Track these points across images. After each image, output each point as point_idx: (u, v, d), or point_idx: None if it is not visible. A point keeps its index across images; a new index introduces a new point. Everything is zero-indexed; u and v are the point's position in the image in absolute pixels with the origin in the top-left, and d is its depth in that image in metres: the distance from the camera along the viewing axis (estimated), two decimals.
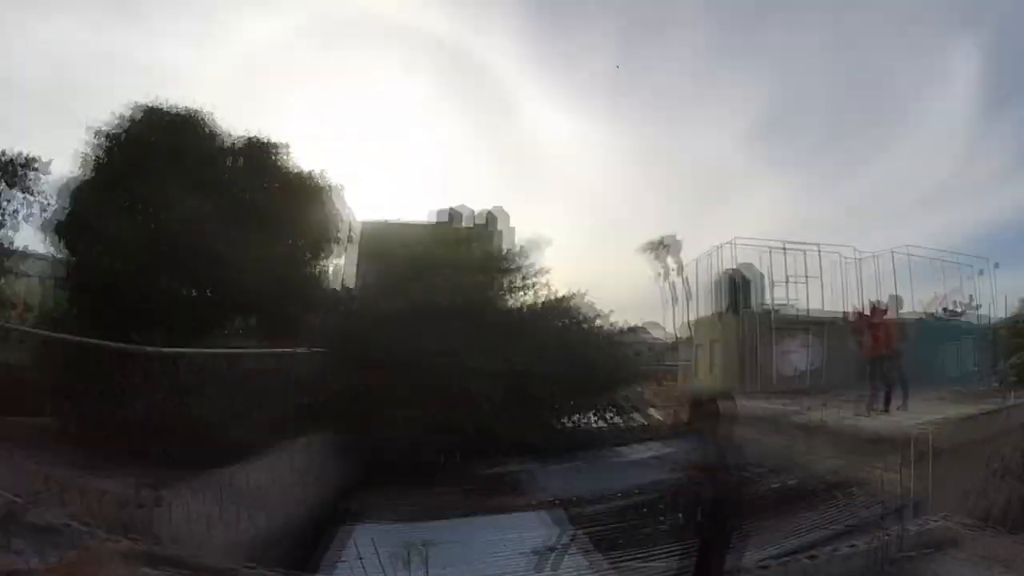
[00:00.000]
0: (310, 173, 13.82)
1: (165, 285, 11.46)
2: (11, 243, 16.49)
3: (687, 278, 38.58)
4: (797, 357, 20.47)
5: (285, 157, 13.55)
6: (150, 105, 12.43)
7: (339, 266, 15.70)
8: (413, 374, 11.46)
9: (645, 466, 12.72)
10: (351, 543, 8.37)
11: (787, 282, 21.55)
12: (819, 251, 21.78)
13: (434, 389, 11.63)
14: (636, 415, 14.69)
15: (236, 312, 13.49)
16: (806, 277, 21.55)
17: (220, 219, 11.74)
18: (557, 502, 10.15)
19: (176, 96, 12.83)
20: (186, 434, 8.52)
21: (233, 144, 13.32)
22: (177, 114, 12.52)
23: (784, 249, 21.64)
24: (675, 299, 37.01)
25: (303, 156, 14.41)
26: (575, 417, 14.21)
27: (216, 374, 10.16)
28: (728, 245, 22.45)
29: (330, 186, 14.02)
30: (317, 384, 11.24)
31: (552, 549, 7.72)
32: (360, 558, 7.77)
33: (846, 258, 22.12)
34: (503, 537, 8.46)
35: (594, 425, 14.25)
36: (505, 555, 7.90)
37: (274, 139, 13.61)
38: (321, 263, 14.39)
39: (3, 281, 16.60)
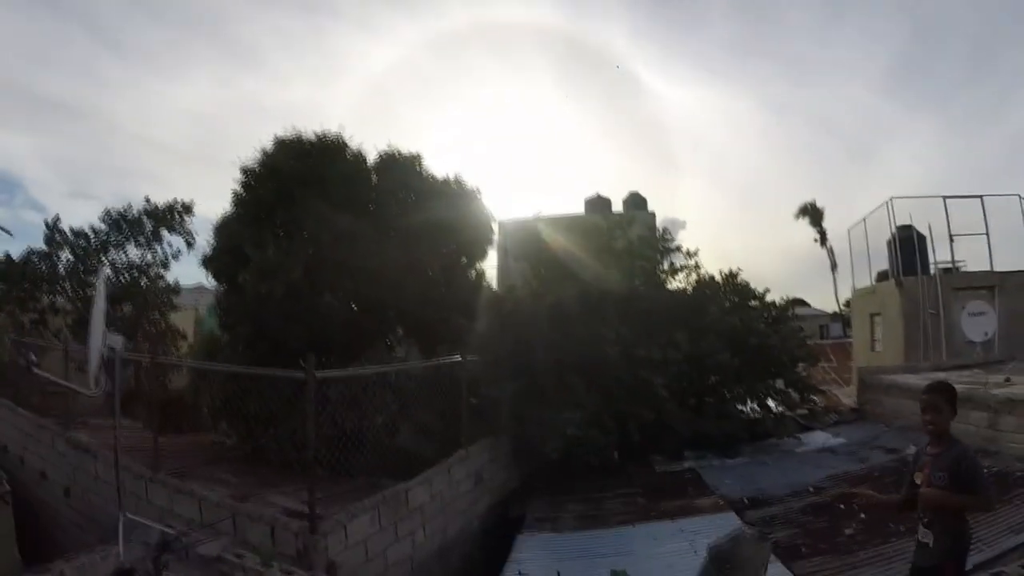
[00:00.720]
0: (448, 178, 13.59)
1: (322, 304, 11.40)
2: (176, 281, 17.85)
3: (831, 248, 36.53)
4: (982, 321, 17.63)
5: (420, 167, 13.34)
6: (280, 137, 12.61)
7: (493, 269, 15.60)
8: (580, 369, 10.92)
9: (831, 454, 11.51)
10: (520, 556, 7.88)
11: (951, 240, 18.90)
12: (982, 202, 18.98)
13: (603, 383, 11.02)
14: (814, 397, 13.44)
15: (396, 324, 13.59)
16: (986, 232, 18.67)
17: (368, 235, 11.77)
18: (742, 502, 9.13)
19: (310, 128, 12.96)
20: (353, 450, 8.60)
21: (371, 161, 13.28)
22: (308, 141, 12.60)
23: (945, 203, 18.87)
24: (835, 266, 34.87)
25: (440, 165, 14.32)
26: (751, 403, 12.97)
27: (378, 390, 9.99)
28: (884, 207, 19.94)
29: (470, 188, 13.74)
30: (481, 389, 10.79)
31: None
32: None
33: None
34: (678, 547, 7.60)
35: (772, 410, 13.02)
36: (680, 568, 7.00)
37: (406, 151, 13.45)
38: (476, 267, 14.13)
39: (173, 315, 17.91)
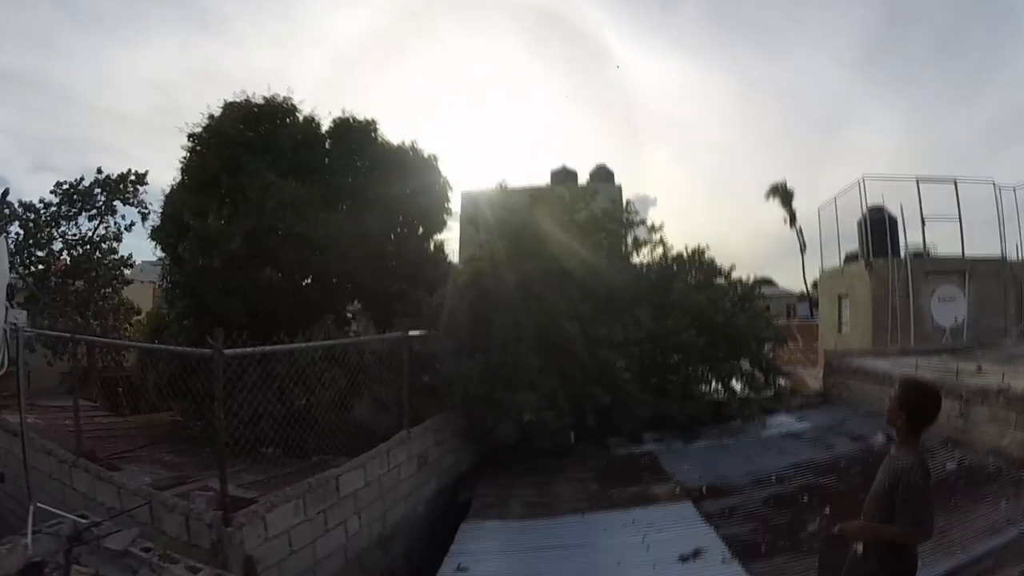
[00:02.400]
0: (403, 145, 12.75)
1: (262, 277, 10.54)
2: (129, 255, 16.93)
3: (800, 229, 35.93)
4: (952, 307, 17.07)
5: (376, 133, 12.49)
6: (229, 101, 11.74)
7: (455, 241, 14.82)
8: (536, 347, 9.98)
9: (796, 440, 10.70)
10: (462, 548, 7.08)
11: (923, 223, 17.99)
12: (956, 186, 18.03)
13: (560, 362, 10.10)
14: (780, 378, 12.69)
15: (347, 297, 12.79)
16: (958, 216, 17.79)
17: (314, 203, 10.98)
18: (700, 490, 8.29)
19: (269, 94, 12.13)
20: (295, 429, 8.25)
21: (325, 128, 12.43)
22: (256, 105, 11.73)
23: (918, 184, 17.80)
24: (803, 247, 34.25)
25: (405, 135, 13.50)
26: (716, 384, 12.18)
27: (326, 365, 9.27)
28: (856, 187, 18.95)
29: (427, 155, 12.95)
30: (433, 367, 9.95)
31: (686, 558, 6.10)
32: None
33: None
34: (628, 541, 6.77)
35: (737, 392, 12.26)
36: (629, 565, 6.26)
37: (362, 117, 12.61)
38: (434, 238, 13.42)
39: (124, 290, 16.99)
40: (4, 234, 15.23)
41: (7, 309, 4.91)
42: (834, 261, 21.17)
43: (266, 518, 5.85)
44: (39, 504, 5.20)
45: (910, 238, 18.35)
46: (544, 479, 9.30)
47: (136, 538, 4.90)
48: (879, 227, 18.17)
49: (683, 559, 6.08)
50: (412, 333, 9.43)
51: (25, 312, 5.23)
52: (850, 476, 8.12)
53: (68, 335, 11.07)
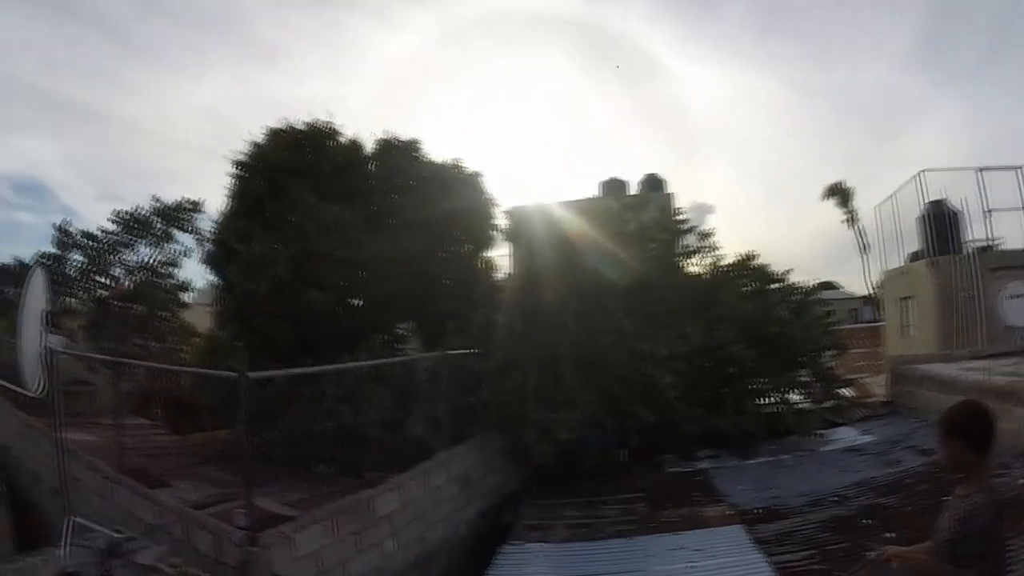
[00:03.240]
0: (446, 163, 12.60)
1: (307, 300, 10.53)
2: (187, 280, 17.30)
3: (861, 228, 34.59)
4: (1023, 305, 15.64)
5: (418, 152, 12.36)
6: (272, 128, 11.82)
7: (505, 258, 14.65)
8: (576, 365, 9.62)
9: (858, 455, 9.97)
10: (506, 569, 6.85)
11: (987, 215, 16.61)
12: (1019, 174, 16.64)
13: (601, 380, 9.68)
14: (841, 389, 12.00)
15: (393, 317, 12.63)
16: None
17: (356, 225, 10.86)
18: (754, 512, 7.79)
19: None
20: (347, 447, 8.60)
21: (368, 150, 12.39)
22: (298, 130, 11.75)
23: (979, 175, 16.61)
24: (865, 248, 32.93)
25: (450, 154, 13.34)
26: (773, 397, 11.52)
27: (370, 384, 9.34)
28: (914, 181, 17.73)
29: (471, 173, 12.76)
30: (478, 385, 9.80)
31: None
32: None
33: None
34: (674, 568, 6.39)
35: (794, 405, 11.62)
36: None
37: (406, 136, 12.51)
38: (481, 256, 13.14)
39: (183, 313, 17.35)
40: (65, 262, 15.77)
41: (44, 334, 5.14)
42: (896, 261, 20.04)
43: (294, 538, 5.76)
44: (77, 518, 5.45)
45: (975, 233, 17.14)
46: (591, 499, 8.95)
47: (164, 554, 5.11)
48: (941, 222, 17.05)
49: None
50: (451, 352, 9.29)
51: (61, 337, 5.36)
52: (917, 495, 7.48)
53: (106, 357, 11.30)
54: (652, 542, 7.17)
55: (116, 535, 5.24)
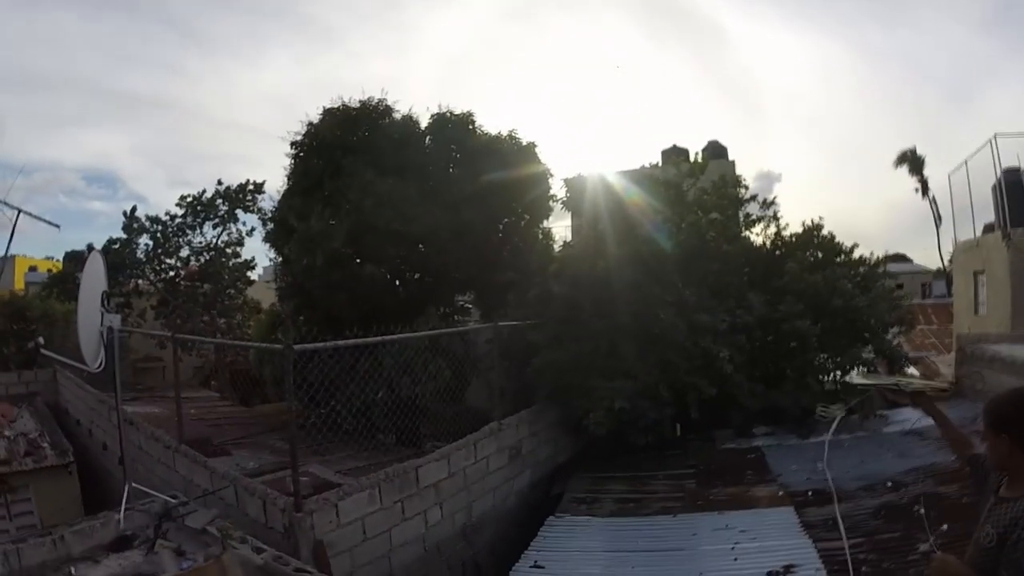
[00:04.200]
0: (501, 135, 12.54)
1: (364, 273, 10.69)
2: (252, 258, 17.85)
3: (933, 198, 32.90)
4: None
5: (473, 125, 12.35)
6: (327, 107, 11.97)
7: (566, 228, 14.54)
8: (633, 336, 9.43)
9: (919, 438, 9.30)
10: (542, 544, 6.80)
11: None
12: None
13: (660, 351, 9.40)
14: (910, 367, 11.49)
15: (451, 289, 12.83)
16: None
17: (415, 199, 11.01)
18: (805, 495, 7.46)
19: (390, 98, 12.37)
20: (406, 417, 8.74)
21: (423, 125, 12.46)
22: (353, 109, 11.89)
23: None
24: (939, 219, 31.36)
25: (507, 126, 13.30)
26: (835, 373, 11.09)
27: (427, 355, 9.57)
28: (988, 147, 15.67)
29: (526, 143, 12.63)
30: (535, 356, 9.67)
31: (775, 574, 5.45)
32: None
33: None
34: (716, 548, 6.21)
35: (858, 382, 11.23)
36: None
37: (461, 110, 12.51)
38: (540, 227, 13.13)
39: (248, 290, 17.93)
40: (133, 245, 16.45)
41: (103, 314, 5.34)
42: (968, 233, 18.89)
43: (338, 506, 5.92)
44: (135, 484, 5.58)
45: None
46: (640, 474, 8.80)
47: (215, 518, 5.23)
48: (1017, 192, 15.86)
49: (771, 575, 5.49)
50: (503, 323, 9.29)
51: (119, 316, 5.60)
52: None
53: (163, 334, 11.70)
54: (698, 520, 7.00)
55: (171, 500, 5.45)
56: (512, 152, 12.33)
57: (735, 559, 5.90)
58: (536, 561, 6.31)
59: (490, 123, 12.78)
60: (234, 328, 16.79)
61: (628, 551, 6.40)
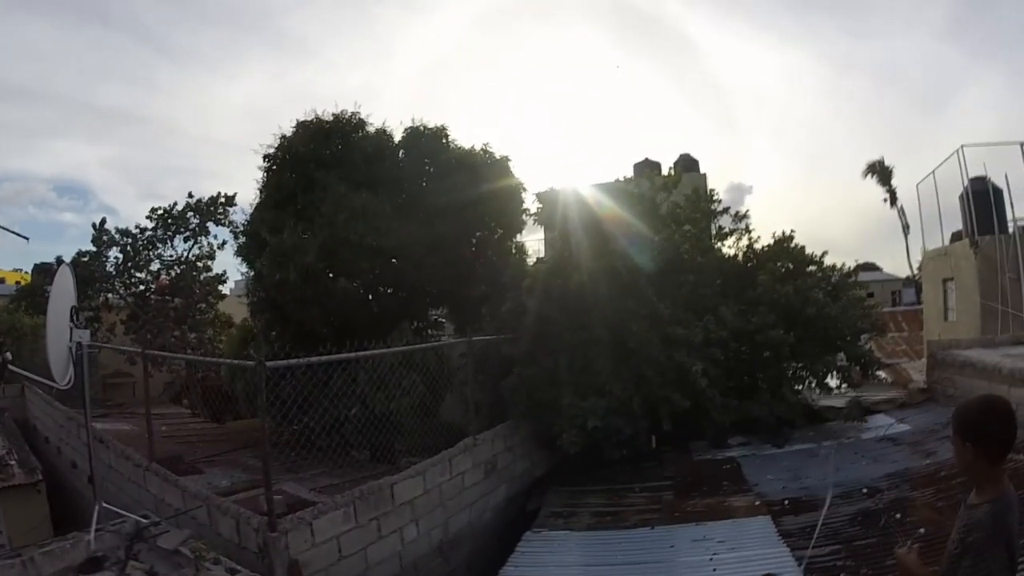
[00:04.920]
0: (474, 149, 12.59)
1: (337, 288, 10.61)
2: (223, 272, 17.68)
3: (902, 208, 33.54)
4: None
5: (447, 139, 12.37)
6: (300, 120, 11.92)
7: (540, 242, 14.55)
8: (608, 351, 9.39)
9: (893, 444, 9.45)
10: (520, 560, 6.76)
11: None
12: None
13: (634, 366, 9.40)
14: (880, 374, 11.63)
15: (425, 304, 12.78)
16: None
17: (389, 213, 10.99)
18: (782, 503, 7.48)
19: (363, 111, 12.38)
20: (380, 433, 8.57)
21: (397, 138, 12.42)
22: (326, 122, 11.84)
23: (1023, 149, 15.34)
24: (906, 227, 32.01)
25: (480, 139, 13.32)
26: (810, 382, 11.13)
27: (400, 371, 9.47)
28: (955, 157, 16.39)
29: (499, 157, 12.68)
30: (509, 371, 9.67)
31: None
32: None
33: None
34: (695, 560, 6.20)
35: (832, 390, 11.32)
36: None
37: (435, 123, 12.55)
38: (513, 240, 13.18)
39: (220, 304, 17.73)
40: (103, 258, 16.20)
41: (72, 329, 5.18)
42: (937, 241, 19.15)
43: (313, 524, 5.82)
44: (106, 504, 5.45)
45: (1019, 211, 16.04)
46: (617, 487, 8.80)
47: (188, 539, 5.14)
48: (983, 201, 16.07)
49: None
50: (477, 338, 9.26)
51: (88, 331, 5.46)
52: (951, 488, 7.20)
53: (134, 350, 11.52)
54: (676, 532, 6.98)
55: (142, 520, 5.30)
56: (485, 166, 12.36)
57: (714, 570, 5.90)
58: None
59: (464, 136, 12.85)
60: (205, 343, 16.57)
61: (607, 564, 6.37)
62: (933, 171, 18.03)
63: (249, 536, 5.70)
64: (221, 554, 5.16)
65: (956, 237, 17.80)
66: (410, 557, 6.86)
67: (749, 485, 8.37)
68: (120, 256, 16.59)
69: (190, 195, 16.89)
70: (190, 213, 16.73)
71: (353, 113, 11.95)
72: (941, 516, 3.09)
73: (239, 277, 16.68)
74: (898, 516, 6.39)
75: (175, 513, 6.32)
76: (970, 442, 2.45)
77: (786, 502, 7.54)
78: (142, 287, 16.97)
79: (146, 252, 16.71)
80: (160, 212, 16.66)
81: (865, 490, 7.62)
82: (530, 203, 12.65)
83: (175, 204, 16.79)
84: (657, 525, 7.25)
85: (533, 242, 14.20)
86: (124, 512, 5.56)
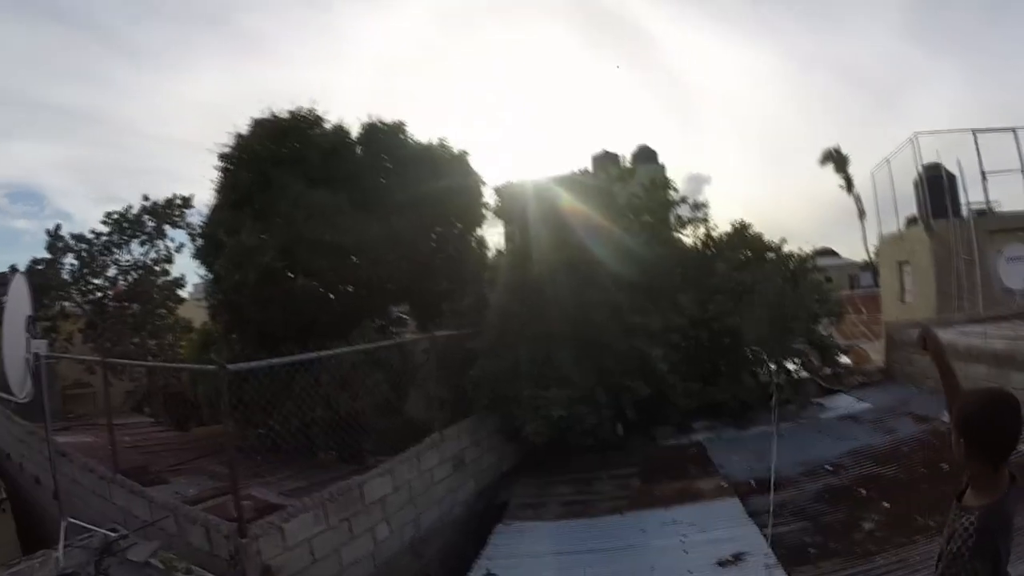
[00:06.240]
0: (432, 144, 12.49)
1: (297, 287, 10.49)
2: (181, 276, 17.33)
3: (858, 195, 34.29)
4: (1022, 267, 14.62)
5: (404, 135, 12.25)
6: (256, 119, 11.64)
7: (493, 237, 14.56)
8: (569, 342, 9.48)
9: (854, 423, 9.86)
10: (493, 552, 6.78)
11: (984, 178, 16.20)
12: (1016, 135, 16.11)
13: (595, 355, 9.53)
14: (838, 356, 11.90)
15: (387, 301, 12.64)
16: (1022, 168, 15.84)
17: (347, 210, 10.80)
18: (748, 484, 7.65)
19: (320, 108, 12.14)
20: (347, 433, 8.53)
21: (354, 135, 12.29)
22: (283, 120, 11.60)
23: (975, 137, 16.04)
24: (862, 214, 32.74)
25: (439, 135, 13.19)
26: (770, 366, 10.99)
27: (363, 370, 9.34)
28: (909, 144, 17.16)
29: (458, 152, 12.65)
30: (472, 365, 9.67)
31: (725, 564, 5.58)
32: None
33: None
34: (666, 544, 6.29)
35: (791, 373, 11.35)
36: (668, 569, 5.76)
37: (392, 119, 12.39)
38: (474, 235, 13.09)
39: (180, 309, 17.39)
40: (58, 266, 15.78)
41: (29, 340, 5.10)
42: (893, 226, 19.63)
43: (283, 528, 5.72)
44: (72, 519, 5.42)
45: (971, 196, 16.58)
46: (585, 476, 8.86)
47: (157, 550, 5.11)
48: (937, 186, 16.59)
49: (722, 564, 5.55)
50: (439, 333, 9.25)
51: (46, 341, 5.33)
52: (912, 464, 7.39)
53: (90, 358, 11.28)
54: (645, 517, 7.08)
55: (111, 534, 5.27)
56: (443, 160, 12.29)
57: (685, 552, 5.98)
58: (488, 569, 6.28)
59: (423, 131, 12.72)
60: (165, 349, 16.21)
61: (579, 552, 6.40)
62: (888, 158, 18.54)
63: (220, 543, 5.56)
64: (192, 564, 5.12)
65: (911, 222, 18.29)
66: (383, 556, 6.81)
67: (715, 468, 8.54)
68: (76, 263, 16.12)
69: (145, 198, 16.51)
70: (146, 216, 16.36)
71: (310, 110, 11.72)
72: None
73: (198, 280, 16.37)
74: (863, 491, 6.55)
75: (143, 525, 6.20)
76: (965, 439, 2.24)
77: (753, 482, 7.68)
78: (99, 294, 16.53)
79: (102, 258, 16.28)
80: (116, 216, 16.27)
81: (829, 467, 7.82)
82: (489, 197, 12.59)
83: (130, 207, 16.44)
84: (627, 511, 7.35)
85: (494, 236, 14.18)
86: (91, 527, 5.52)
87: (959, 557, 2.17)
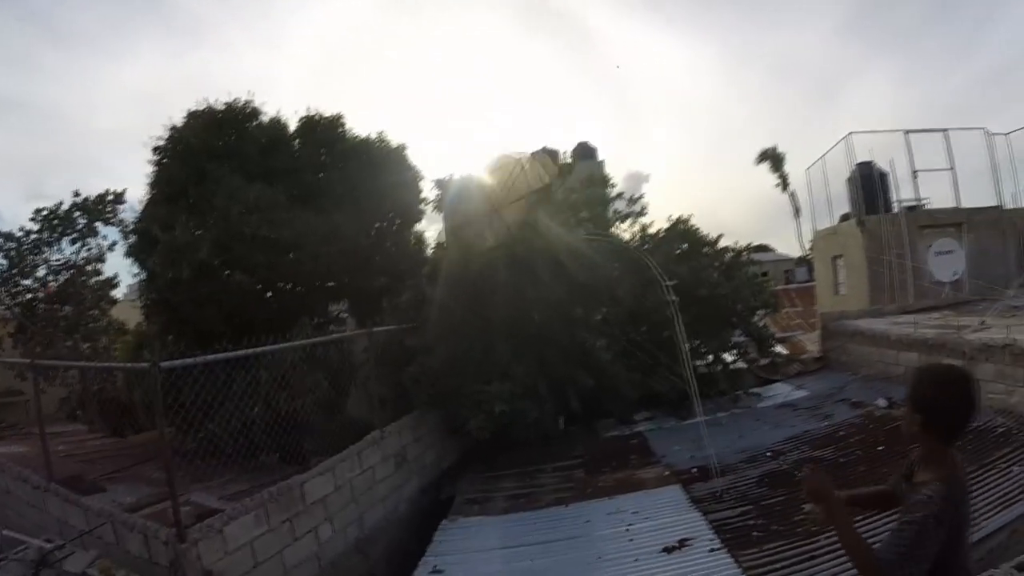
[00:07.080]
0: (371, 137, 12.42)
1: (233, 284, 10.23)
2: (114, 275, 16.72)
3: (793, 192, 35.21)
4: (950, 260, 16.18)
5: (343, 128, 12.10)
6: (191, 111, 11.35)
7: (432, 232, 14.43)
8: (508, 336, 9.46)
9: (792, 410, 10.08)
10: (439, 548, 6.70)
11: (914, 176, 16.98)
12: (946, 137, 16.96)
13: (536, 348, 9.52)
14: (775, 347, 12.20)
15: (326, 297, 12.47)
16: (951, 167, 16.79)
17: (284, 204, 10.63)
18: (690, 472, 7.74)
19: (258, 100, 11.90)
20: (288, 434, 8.32)
21: (292, 128, 12.08)
22: (219, 112, 11.34)
23: (907, 137, 16.83)
24: (797, 211, 33.54)
25: (378, 128, 13.03)
26: (709, 357, 11.49)
27: (302, 369, 9.16)
28: (843, 143, 17.86)
29: (396, 145, 12.57)
30: (409, 361, 9.50)
31: (671, 549, 5.62)
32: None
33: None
34: (611, 532, 6.30)
35: (729, 364, 11.62)
36: (614, 558, 5.76)
37: (330, 112, 12.26)
38: (413, 230, 13.07)
39: (114, 309, 16.78)
40: None
41: None
42: (827, 222, 20.22)
43: (224, 531, 5.57)
44: (6, 531, 5.42)
45: (902, 193, 17.39)
46: (530, 469, 8.84)
47: (95, 559, 4.93)
48: (869, 184, 17.22)
49: (667, 550, 5.57)
50: (377, 329, 9.14)
51: None
52: (849, 446, 7.58)
53: (19, 361, 10.84)
54: (590, 507, 7.06)
55: (46, 545, 5.08)
56: (382, 154, 12.21)
57: (631, 539, 5.99)
58: (435, 566, 6.18)
59: (361, 125, 12.54)
60: (100, 352, 15.57)
61: (525, 544, 6.35)
62: (823, 156, 19.13)
63: (159, 550, 5.40)
64: (131, 572, 5.02)
65: (844, 218, 18.89)
66: (328, 556, 6.69)
67: (657, 457, 8.64)
68: (4, 263, 15.38)
69: (76, 194, 15.80)
70: (77, 213, 15.70)
71: (247, 102, 11.48)
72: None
73: (131, 280, 15.81)
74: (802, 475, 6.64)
75: (79, 534, 5.94)
76: (920, 414, 2.24)
77: (694, 470, 7.78)
78: (29, 296, 15.82)
79: (32, 257, 15.59)
80: (45, 213, 15.58)
81: (769, 453, 7.99)
82: (428, 192, 12.52)
83: (60, 203, 15.76)
84: (571, 502, 7.33)
85: (433, 231, 14.12)
86: (26, 538, 5.30)
87: (919, 523, 2.09)
